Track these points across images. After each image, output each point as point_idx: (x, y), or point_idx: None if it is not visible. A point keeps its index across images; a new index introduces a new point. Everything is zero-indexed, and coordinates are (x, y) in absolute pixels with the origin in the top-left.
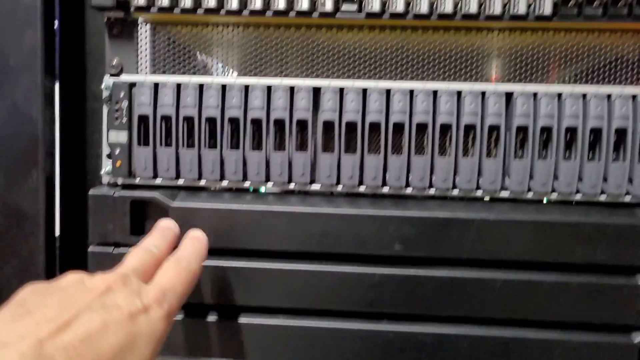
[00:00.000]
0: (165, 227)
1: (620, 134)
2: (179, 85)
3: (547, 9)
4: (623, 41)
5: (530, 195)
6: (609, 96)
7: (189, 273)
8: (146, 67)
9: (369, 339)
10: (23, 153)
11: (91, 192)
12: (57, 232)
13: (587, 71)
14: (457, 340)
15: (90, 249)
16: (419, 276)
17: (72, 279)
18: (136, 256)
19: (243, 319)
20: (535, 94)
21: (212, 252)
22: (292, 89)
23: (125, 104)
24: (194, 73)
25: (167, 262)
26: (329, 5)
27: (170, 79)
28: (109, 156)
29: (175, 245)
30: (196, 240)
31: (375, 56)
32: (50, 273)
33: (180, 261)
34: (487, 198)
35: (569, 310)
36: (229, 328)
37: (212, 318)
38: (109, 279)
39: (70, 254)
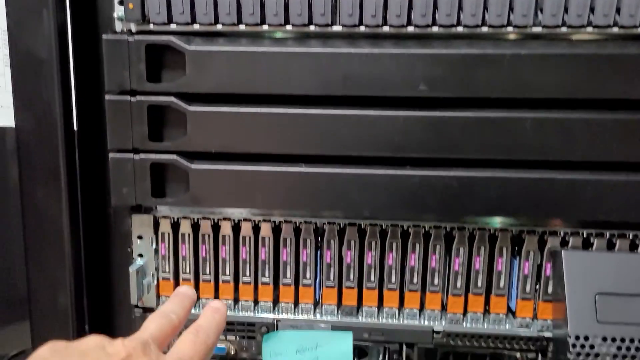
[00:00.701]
0: (183, 294)
1: None
2: None
3: None
4: None
5: (564, 29)
6: None
7: (206, 347)
8: None
9: (394, 184)
10: None
11: (105, 37)
12: (72, 79)
13: None
14: (484, 184)
15: (107, 97)
16: (446, 118)
17: (92, 342)
18: (155, 323)
19: (266, 167)
20: None
21: (231, 98)
22: None
23: None
24: None
25: (186, 333)
26: None
27: None
28: (121, 2)
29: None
30: (216, 311)
31: None
32: (67, 119)
33: (199, 333)
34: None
35: (602, 149)
36: (254, 176)
37: (234, 167)
38: (129, 346)
39: (86, 103)
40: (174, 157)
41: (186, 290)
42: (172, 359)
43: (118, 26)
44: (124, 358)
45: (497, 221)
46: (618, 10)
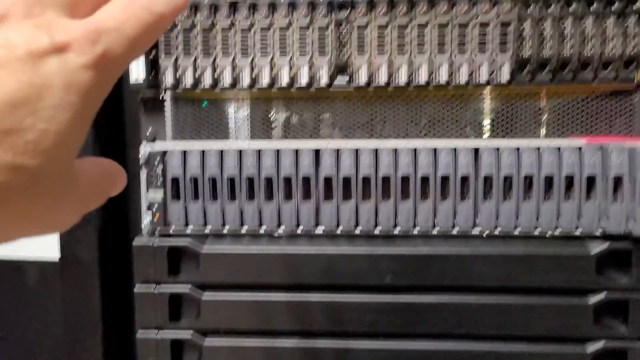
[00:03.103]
0: None
1: (571, 179)
2: (202, 151)
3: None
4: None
5: (497, 231)
6: (558, 148)
7: (149, 14)
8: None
9: (371, 353)
10: None
11: (135, 242)
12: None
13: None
14: (441, 355)
15: (136, 289)
16: (407, 302)
17: None
18: None
19: (258, 343)
20: (498, 149)
21: (239, 287)
22: (296, 151)
23: (160, 167)
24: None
25: None
26: (324, 79)
27: (195, 146)
28: (149, 207)
29: None
30: None
31: (366, 122)
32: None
33: None
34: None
35: (533, 326)
36: (244, 352)
37: (226, 342)
38: (5, 2)
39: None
40: (190, 332)
41: None
42: (81, 25)
43: (145, 230)
44: None
45: None
46: (538, 217)
